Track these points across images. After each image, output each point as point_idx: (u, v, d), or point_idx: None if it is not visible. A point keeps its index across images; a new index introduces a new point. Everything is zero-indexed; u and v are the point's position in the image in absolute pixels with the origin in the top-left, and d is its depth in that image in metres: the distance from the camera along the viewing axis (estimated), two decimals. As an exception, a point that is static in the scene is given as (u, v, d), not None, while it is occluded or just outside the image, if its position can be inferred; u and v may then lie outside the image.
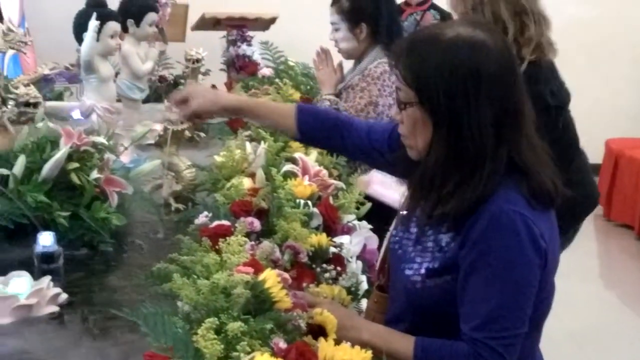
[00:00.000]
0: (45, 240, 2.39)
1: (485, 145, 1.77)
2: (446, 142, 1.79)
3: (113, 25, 3.62)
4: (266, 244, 2.07)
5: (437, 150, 1.81)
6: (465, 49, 1.78)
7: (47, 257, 2.38)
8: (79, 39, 3.57)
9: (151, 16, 4.02)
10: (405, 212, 2.02)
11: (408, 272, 1.91)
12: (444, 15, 5.96)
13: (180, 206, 2.99)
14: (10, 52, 4.38)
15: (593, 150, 4.05)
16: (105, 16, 3.55)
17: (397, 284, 2.00)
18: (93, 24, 3.42)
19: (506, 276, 1.74)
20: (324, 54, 4.05)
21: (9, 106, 3.11)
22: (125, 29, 3.89)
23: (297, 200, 2.47)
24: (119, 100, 3.85)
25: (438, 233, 1.87)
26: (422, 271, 1.88)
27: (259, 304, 1.69)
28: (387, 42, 3.77)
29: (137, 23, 3.98)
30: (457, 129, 1.77)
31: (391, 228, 2.13)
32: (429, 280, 1.86)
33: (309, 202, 2.51)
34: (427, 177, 1.84)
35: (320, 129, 2.29)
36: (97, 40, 3.48)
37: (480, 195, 1.77)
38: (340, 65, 4.03)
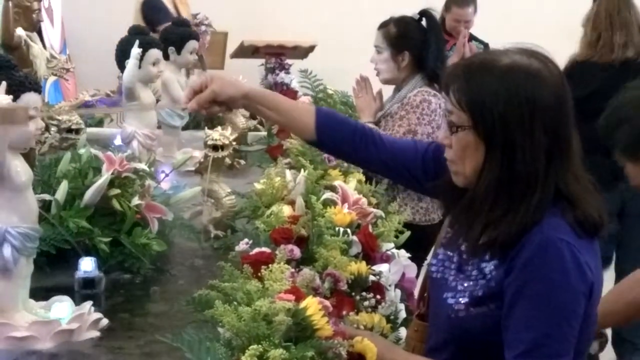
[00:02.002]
0: (87, 265, 2.42)
1: (536, 172, 1.77)
2: (498, 167, 1.79)
3: (155, 53, 3.66)
4: (307, 271, 2.06)
5: (488, 175, 1.81)
6: (521, 77, 1.79)
7: (89, 283, 2.41)
8: (121, 66, 3.61)
9: (192, 44, 4.07)
10: (446, 239, 2.01)
11: (450, 300, 1.89)
12: (485, 46, 6.00)
13: (220, 233, 3.00)
14: (52, 79, 4.46)
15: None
16: (147, 44, 3.60)
17: (438, 312, 1.98)
18: (135, 51, 3.46)
19: (552, 304, 1.73)
20: (363, 81, 4.06)
21: (51, 132, 3.16)
22: (166, 57, 3.93)
23: (337, 228, 2.47)
24: (159, 127, 3.88)
25: (481, 261, 1.86)
26: (465, 299, 1.86)
27: (300, 331, 1.69)
28: (430, 72, 3.78)
29: (178, 51, 4.03)
30: (511, 154, 1.77)
31: (429, 256, 2.11)
32: (473, 309, 1.85)
33: (349, 230, 2.50)
34: (476, 202, 1.83)
35: (340, 133, 2.17)
36: (139, 67, 3.51)
37: (528, 222, 1.76)
38: (379, 93, 4.03)
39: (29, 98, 2.04)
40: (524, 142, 1.76)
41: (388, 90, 4.06)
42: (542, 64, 1.82)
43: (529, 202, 1.77)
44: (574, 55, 4.82)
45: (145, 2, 6.13)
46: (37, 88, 2.12)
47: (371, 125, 3.75)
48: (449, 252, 1.98)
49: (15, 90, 1.97)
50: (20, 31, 3.30)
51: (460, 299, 1.86)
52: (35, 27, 3.52)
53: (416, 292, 2.32)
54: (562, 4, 5.61)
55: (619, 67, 4.65)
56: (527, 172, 1.77)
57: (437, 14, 4.11)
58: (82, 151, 2.88)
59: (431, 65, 3.80)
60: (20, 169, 1.99)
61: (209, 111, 2.15)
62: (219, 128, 3.15)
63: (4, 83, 1.92)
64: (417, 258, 2.57)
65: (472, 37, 6.07)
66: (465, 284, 1.87)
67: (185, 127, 4.31)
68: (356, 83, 4.08)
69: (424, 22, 3.86)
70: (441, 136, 1.95)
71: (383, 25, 3.91)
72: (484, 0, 6.37)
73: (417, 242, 2.87)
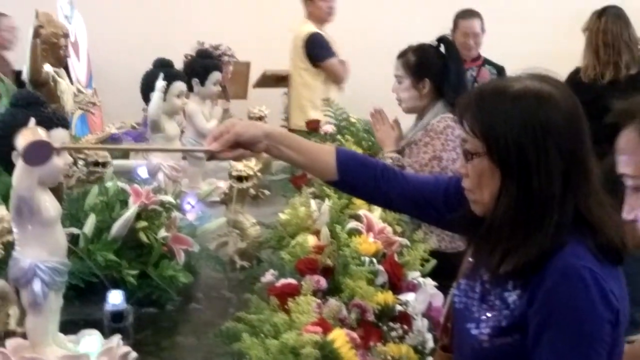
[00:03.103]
0: (115, 298, 2.43)
1: (553, 195, 1.76)
2: (514, 193, 1.79)
3: (179, 85, 3.70)
4: (333, 302, 2.07)
5: (505, 200, 1.81)
6: (533, 101, 1.79)
7: (117, 316, 2.42)
8: (146, 98, 3.65)
9: (216, 75, 4.10)
10: (468, 269, 2.01)
11: (474, 331, 1.89)
12: (499, 70, 6.01)
13: (246, 263, 3.01)
14: (79, 112, 4.51)
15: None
16: (172, 76, 3.64)
17: (462, 343, 1.98)
18: (160, 84, 3.50)
19: (577, 333, 1.72)
20: (378, 113, 4.07)
21: (78, 166, 3.19)
22: (190, 88, 3.96)
23: (362, 258, 2.48)
24: (184, 159, 3.91)
25: (504, 290, 1.85)
26: (489, 330, 1.86)
27: (328, 363, 1.70)
28: (451, 98, 3.77)
29: (202, 82, 4.06)
30: (526, 179, 1.77)
31: (453, 287, 2.11)
32: (497, 339, 1.84)
33: (374, 260, 2.51)
34: (494, 229, 1.83)
35: (362, 171, 2.17)
36: (164, 100, 3.55)
37: (548, 249, 1.76)
38: (396, 121, 4.03)
39: (57, 134, 2.06)
40: (538, 166, 1.76)
41: (407, 119, 4.06)
42: (554, 87, 1.83)
43: (547, 227, 1.76)
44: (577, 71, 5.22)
45: (308, 39, 6.33)
46: (65, 123, 2.15)
47: (392, 155, 3.78)
48: (471, 282, 1.97)
49: (43, 127, 1.99)
50: (47, 67, 3.34)
51: (484, 330, 1.86)
52: (62, 63, 3.56)
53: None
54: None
55: (625, 83, 5.03)
56: (544, 196, 1.77)
57: None
58: (109, 184, 2.90)
59: (452, 91, 3.80)
60: (50, 204, 2.01)
61: (232, 154, 2.13)
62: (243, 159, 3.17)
63: (32, 120, 1.95)
64: (443, 286, 2.56)
65: (486, 62, 6.09)
66: (489, 314, 1.87)
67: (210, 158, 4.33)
68: (371, 117, 4.09)
69: (442, 49, 3.87)
70: (458, 165, 1.96)
71: (402, 54, 3.92)
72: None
73: (443, 269, 2.85)
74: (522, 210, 1.79)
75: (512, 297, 1.83)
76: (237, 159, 2.16)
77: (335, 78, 6.32)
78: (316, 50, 6.33)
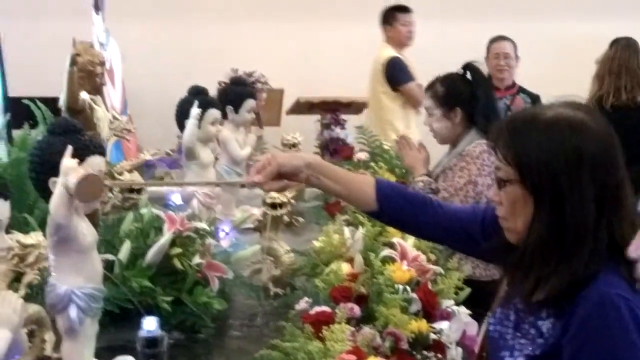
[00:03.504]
0: (150, 325, 2.44)
1: (586, 223, 1.75)
2: (547, 220, 1.78)
3: (214, 112, 3.72)
4: (367, 330, 2.07)
5: (538, 228, 1.80)
6: (565, 128, 1.79)
7: (151, 342, 2.42)
8: (181, 125, 3.68)
9: (250, 102, 4.12)
10: (503, 298, 2.00)
11: (508, 359, 1.89)
12: (534, 99, 6.00)
13: (279, 291, 3.01)
14: (114, 138, 4.54)
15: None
16: (206, 104, 3.67)
17: (498, 372, 1.97)
18: (195, 111, 3.53)
19: (612, 363, 1.71)
20: (403, 139, 4.09)
21: (114, 192, 3.21)
22: (224, 116, 3.98)
23: (396, 286, 2.47)
24: (217, 186, 3.92)
25: (538, 319, 1.84)
26: (523, 359, 1.85)
27: (362, 392, 1.70)
28: (483, 125, 3.76)
29: (236, 109, 4.08)
30: (559, 206, 1.77)
31: (488, 315, 2.10)
32: (531, 368, 1.83)
33: (408, 288, 2.50)
34: (526, 256, 1.82)
35: (401, 203, 2.18)
36: (199, 127, 3.57)
37: (581, 275, 1.75)
38: (420, 144, 4.04)
39: (94, 161, 2.08)
40: (571, 193, 1.76)
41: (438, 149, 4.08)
42: (587, 115, 1.83)
43: (580, 255, 1.75)
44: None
45: (388, 63, 6.45)
46: (102, 151, 2.17)
47: (423, 178, 3.77)
48: (505, 311, 1.97)
49: (80, 154, 2.01)
50: (84, 95, 3.37)
51: (518, 358, 1.85)
52: (98, 91, 3.60)
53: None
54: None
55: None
56: (577, 224, 1.76)
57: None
58: (144, 211, 2.92)
59: (483, 117, 3.80)
60: (86, 231, 2.03)
61: (277, 186, 2.13)
62: (277, 186, 3.18)
63: (69, 147, 1.96)
64: (478, 314, 2.55)
65: (520, 90, 6.09)
66: (522, 342, 1.86)
67: (244, 185, 4.35)
68: (397, 145, 4.10)
69: (469, 76, 3.87)
70: (492, 194, 1.96)
71: (430, 86, 3.93)
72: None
73: (478, 297, 2.84)
74: (554, 237, 1.78)
75: (546, 325, 1.82)
76: (281, 189, 2.17)
77: (413, 102, 6.38)
78: (395, 74, 6.43)
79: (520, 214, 1.84)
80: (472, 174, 3.71)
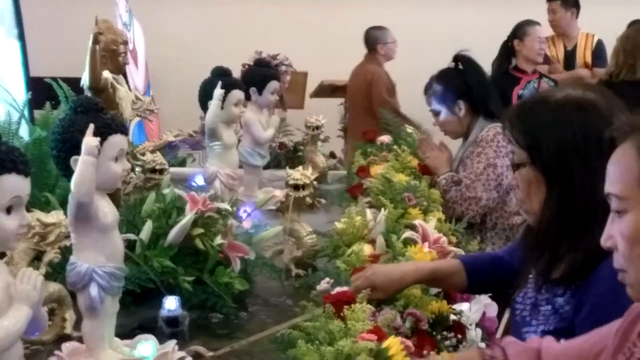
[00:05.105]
0: (171, 304, 2.45)
1: (597, 202, 1.75)
2: (559, 198, 1.82)
3: (237, 94, 3.71)
4: (388, 311, 2.06)
5: (550, 208, 1.84)
6: (573, 108, 1.81)
7: (173, 321, 2.43)
8: (204, 106, 3.67)
9: (273, 84, 4.11)
10: (524, 279, 2.02)
11: (526, 336, 1.91)
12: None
13: (301, 272, 3.01)
14: (136, 119, 4.55)
15: None
16: (229, 85, 3.65)
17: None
18: (218, 92, 3.52)
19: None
20: (424, 140, 4.12)
21: (136, 172, 3.22)
22: (248, 97, 3.97)
23: (418, 267, 2.46)
24: (240, 167, 3.92)
25: (554, 296, 1.87)
26: (539, 335, 1.86)
27: (382, 371, 1.69)
28: (486, 110, 3.81)
29: (260, 91, 4.07)
30: (570, 185, 1.79)
31: (514, 296, 2.12)
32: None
33: (430, 270, 2.49)
34: (541, 235, 1.86)
35: (484, 268, 2.32)
36: (222, 108, 3.57)
37: (594, 252, 1.74)
38: (442, 143, 4.10)
39: (116, 140, 2.07)
40: (581, 171, 1.79)
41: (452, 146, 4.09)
42: (597, 94, 1.84)
43: (592, 231, 1.76)
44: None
45: None
46: (124, 130, 2.16)
47: (445, 175, 3.77)
48: (525, 289, 2.00)
49: (102, 132, 2.00)
50: (107, 74, 3.36)
51: (534, 334, 1.87)
52: (121, 70, 3.59)
53: (498, 334, 2.32)
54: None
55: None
56: (588, 202, 1.78)
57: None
58: (166, 191, 2.92)
59: (481, 103, 3.84)
60: (107, 210, 2.03)
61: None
62: (300, 167, 3.18)
63: (91, 125, 1.96)
64: (497, 296, 2.55)
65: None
66: (538, 319, 1.90)
67: (266, 166, 4.35)
68: (418, 146, 4.11)
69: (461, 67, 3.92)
70: (509, 178, 1.99)
71: (427, 88, 3.99)
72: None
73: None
74: (566, 215, 1.81)
75: (560, 301, 1.86)
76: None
77: None
78: None
79: (535, 196, 1.88)
80: (490, 157, 3.75)
